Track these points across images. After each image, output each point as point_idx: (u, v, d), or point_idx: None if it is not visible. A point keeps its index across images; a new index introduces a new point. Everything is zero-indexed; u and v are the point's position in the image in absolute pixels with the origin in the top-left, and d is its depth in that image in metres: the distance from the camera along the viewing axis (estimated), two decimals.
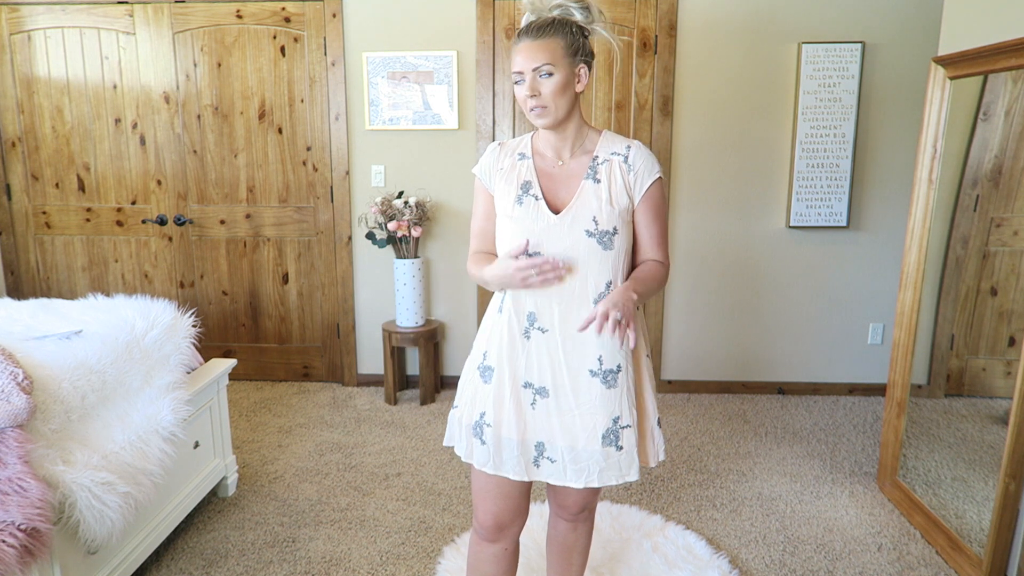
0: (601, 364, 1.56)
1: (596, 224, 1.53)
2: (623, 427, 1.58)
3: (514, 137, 3.66)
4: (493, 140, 3.69)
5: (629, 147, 1.60)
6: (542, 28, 1.50)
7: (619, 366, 1.57)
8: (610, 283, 1.55)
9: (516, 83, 1.53)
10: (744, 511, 2.69)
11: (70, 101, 3.81)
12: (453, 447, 1.71)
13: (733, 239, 3.75)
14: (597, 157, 1.59)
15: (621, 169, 1.58)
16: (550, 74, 1.49)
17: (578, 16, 1.52)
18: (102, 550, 1.97)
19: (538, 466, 1.60)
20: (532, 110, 1.52)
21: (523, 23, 1.54)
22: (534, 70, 1.49)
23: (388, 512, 2.67)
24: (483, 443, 1.61)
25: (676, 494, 2.82)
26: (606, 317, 1.39)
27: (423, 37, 3.65)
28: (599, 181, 1.57)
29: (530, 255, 1.53)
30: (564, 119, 1.55)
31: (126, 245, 3.96)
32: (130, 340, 2.22)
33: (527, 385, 1.59)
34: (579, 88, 1.55)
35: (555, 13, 1.52)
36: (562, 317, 1.55)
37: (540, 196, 1.57)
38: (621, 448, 1.58)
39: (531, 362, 1.58)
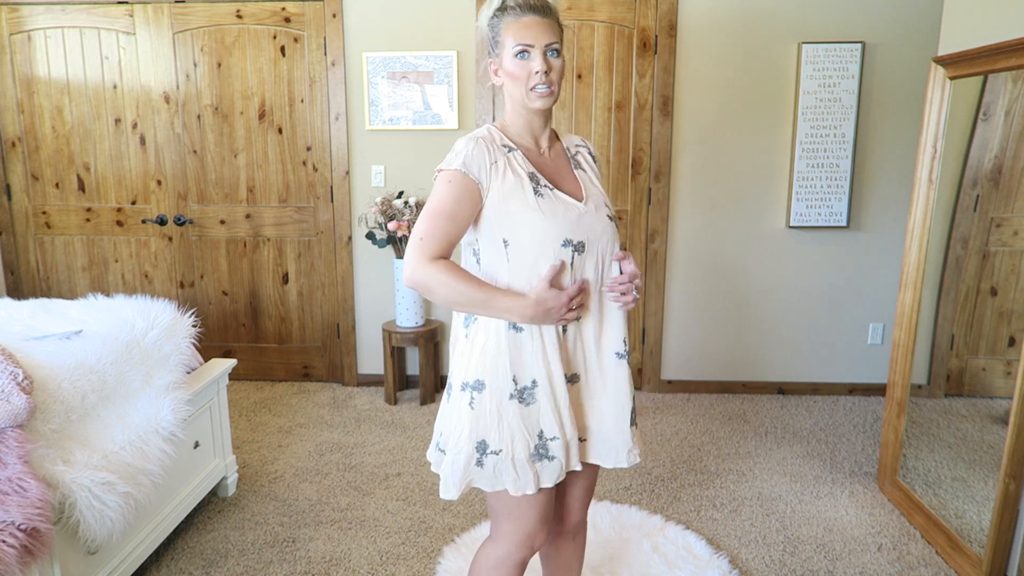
0: (625, 345, 1.56)
1: (608, 208, 1.55)
2: (633, 407, 1.61)
3: None
4: None
5: (585, 141, 1.66)
6: (545, 8, 1.47)
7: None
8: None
9: (518, 55, 1.46)
10: (744, 511, 2.69)
11: (70, 101, 3.81)
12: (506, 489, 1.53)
13: (733, 239, 3.75)
14: (568, 148, 1.61)
15: (588, 160, 1.63)
16: (558, 53, 1.47)
17: (554, 4, 1.51)
18: (102, 550, 1.97)
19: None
20: (536, 88, 1.46)
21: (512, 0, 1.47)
22: (546, 46, 1.45)
23: (388, 512, 2.67)
24: (551, 459, 1.51)
25: (676, 494, 2.82)
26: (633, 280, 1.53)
27: (423, 37, 3.65)
28: (584, 171, 1.59)
29: (575, 246, 1.47)
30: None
31: (126, 245, 3.96)
32: (130, 340, 2.22)
33: (568, 377, 1.55)
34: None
35: None
36: (594, 302, 1.53)
37: (552, 187, 1.51)
38: (635, 424, 1.61)
39: (569, 354, 1.54)
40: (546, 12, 1.47)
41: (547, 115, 1.55)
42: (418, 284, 1.44)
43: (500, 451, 1.49)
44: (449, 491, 1.53)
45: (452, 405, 1.55)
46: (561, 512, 1.73)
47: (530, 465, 1.50)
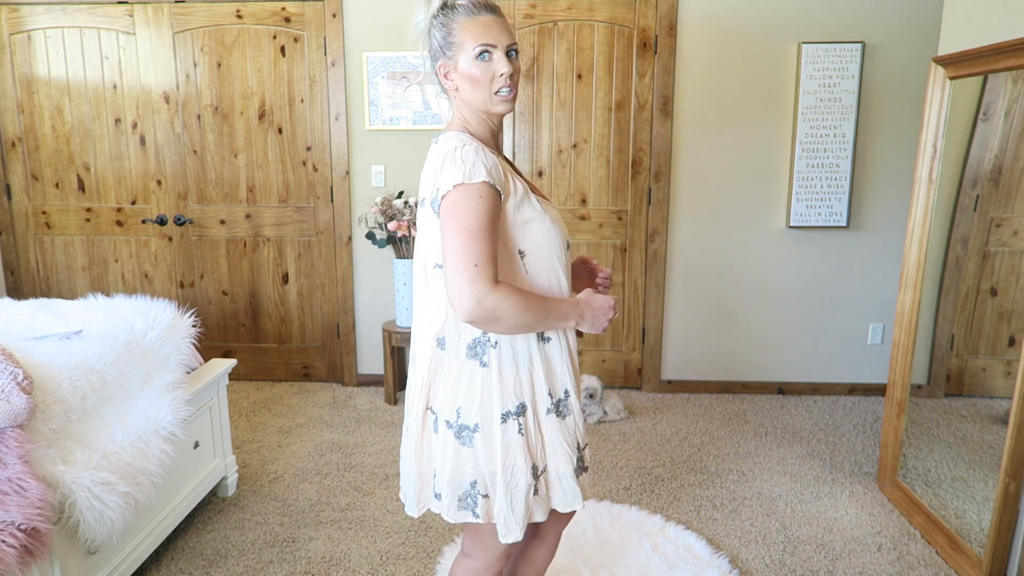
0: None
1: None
2: None
3: (513, 139, 3.67)
4: None
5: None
6: (498, 8, 1.42)
7: None
8: None
9: (478, 57, 1.37)
10: (744, 511, 2.69)
11: (70, 101, 3.81)
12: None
13: (733, 239, 3.75)
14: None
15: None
16: (517, 54, 1.42)
17: None
18: (102, 550, 1.97)
19: None
20: (500, 91, 1.39)
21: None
22: (507, 46, 1.39)
23: (388, 512, 2.67)
24: (586, 469, 1.50)
25: (676, 494, 2.82)
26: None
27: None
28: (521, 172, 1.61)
29: (569, 247, 1.51)
30: None
31: (126, 245, 3.96)
32: (130, 340, 2.22)
33: None
34: None
35: None
36: None
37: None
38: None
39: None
40: (500, 12, 1.42)
41: (502, 119, 1.50)
42: (485, 314, 1.29)
43: (545, 467, 1.45)
44: (512, 532, 1.43)
45: (487, 444, 1.41)
46: (560, 523, 1.68)
47: (575, 480, 1.46)
